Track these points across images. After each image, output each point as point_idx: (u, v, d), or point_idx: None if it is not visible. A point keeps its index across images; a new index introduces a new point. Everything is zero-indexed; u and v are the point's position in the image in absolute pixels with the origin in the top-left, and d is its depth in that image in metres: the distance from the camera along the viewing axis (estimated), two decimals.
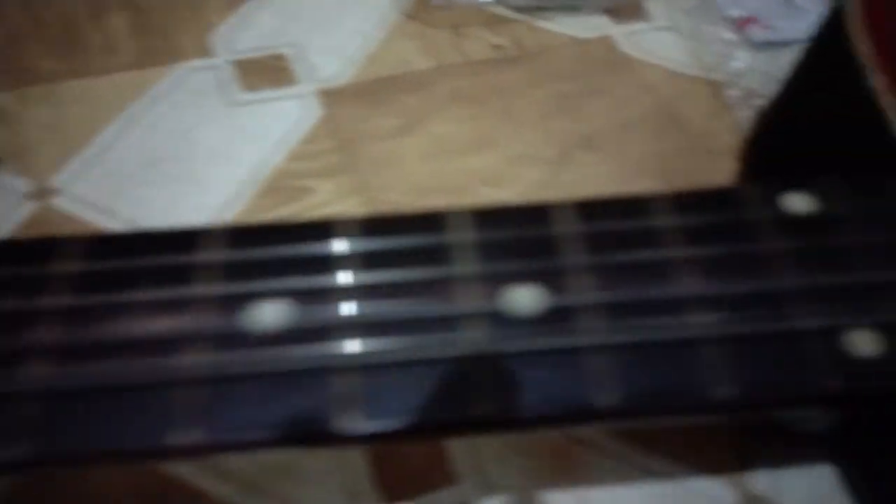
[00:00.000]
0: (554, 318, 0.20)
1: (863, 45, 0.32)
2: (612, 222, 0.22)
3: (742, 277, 0.21)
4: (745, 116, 0.48)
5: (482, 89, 0.50)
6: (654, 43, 0.55)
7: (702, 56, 0.53)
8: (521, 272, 0.21)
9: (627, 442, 0.34)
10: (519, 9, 0.56)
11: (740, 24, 0.55)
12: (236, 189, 0.43)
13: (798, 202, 0.24)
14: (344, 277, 0.20)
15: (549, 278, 0.21)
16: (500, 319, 0.20)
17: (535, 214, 0.22)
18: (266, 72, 0.50)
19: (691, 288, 0.21)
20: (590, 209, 0.23)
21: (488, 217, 0.22)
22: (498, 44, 0.54)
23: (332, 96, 0.48)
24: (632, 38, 0.55)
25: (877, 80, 0.31)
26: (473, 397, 0.19)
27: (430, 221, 0.21)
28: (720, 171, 0.44)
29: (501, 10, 0.56)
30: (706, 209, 0.23)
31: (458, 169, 0.45)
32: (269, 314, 0.19)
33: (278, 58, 0.51)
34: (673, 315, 0.20)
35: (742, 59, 0.52)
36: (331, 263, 0.20)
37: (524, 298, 0.20)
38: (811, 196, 0.24)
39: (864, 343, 0.20)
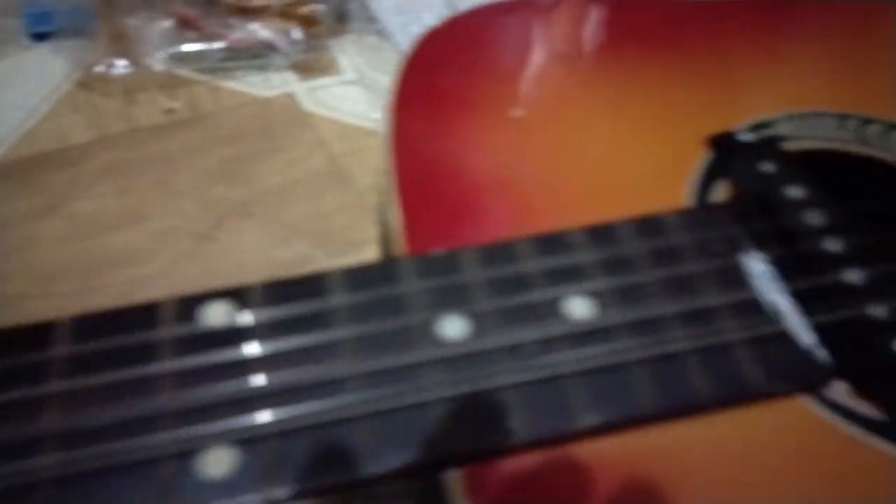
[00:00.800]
0: None
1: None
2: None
3: (129, 403, 0.21)
4: None
5: (142, 159, 0.49)
6: (338, 97, 0.55)
7: (377, 109, 0.54)
8: None
9: None
10: (200, 70, 0.56)
11: None
12: None
13: (218, 313, 0.24)
14: None
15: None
16: None
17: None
18: None
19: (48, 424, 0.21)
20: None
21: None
22: (172, 108, 0.53)
23: None
24: (315, 94, 0.55)
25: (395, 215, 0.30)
26: None
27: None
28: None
29: (182, 72, 0.55)
30: (99, 333, 0.22)
31: (96, 249, 0.44)
32: None
33: None
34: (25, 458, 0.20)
35: None
36: None
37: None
38: (233, 305, 0.24)
39: (218, 462, 0.21)
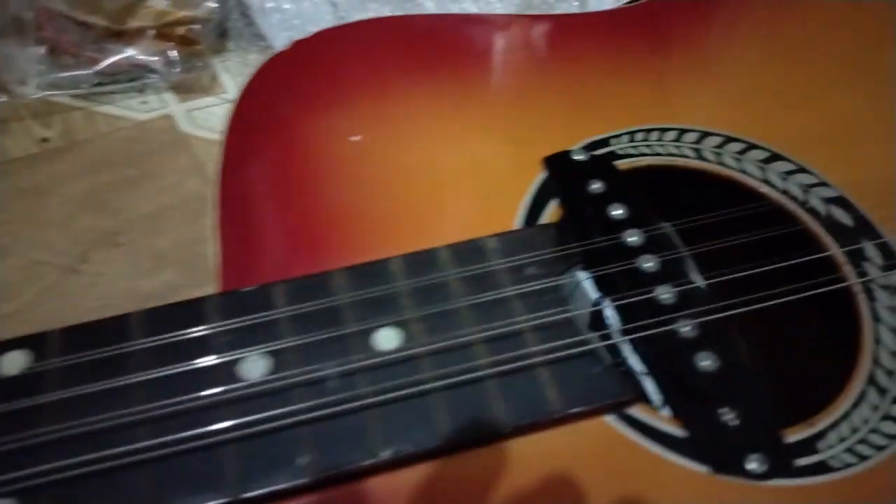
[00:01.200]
0: None
1: None
2: None
3: None
4: None
5: (11, 191, 0.48)
6: (218, 117, 0.55)
7: None
8: None
9: None
10: (76, 96, 0.55)
11: None
12: None
13: (14, 362, 0.23)
14: None
15: None
16: None
17: None
18: None
19: None
20: None
21: None
22: (46, 136, 0.52)
23: None
24: (194, 115, 0.55)
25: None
26: None
27: None
28: None
29: (58, 99, 0.54)
30: None
31: None
32: None
33: None
34: None
35: None
36: None
37: None
38: (30, 354, 0.23)
39: None
